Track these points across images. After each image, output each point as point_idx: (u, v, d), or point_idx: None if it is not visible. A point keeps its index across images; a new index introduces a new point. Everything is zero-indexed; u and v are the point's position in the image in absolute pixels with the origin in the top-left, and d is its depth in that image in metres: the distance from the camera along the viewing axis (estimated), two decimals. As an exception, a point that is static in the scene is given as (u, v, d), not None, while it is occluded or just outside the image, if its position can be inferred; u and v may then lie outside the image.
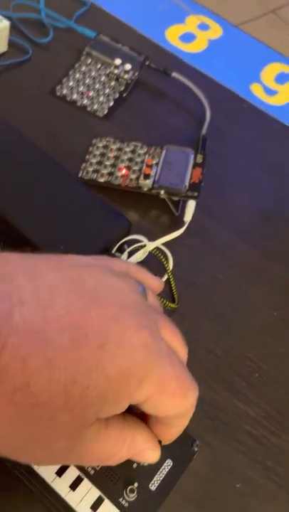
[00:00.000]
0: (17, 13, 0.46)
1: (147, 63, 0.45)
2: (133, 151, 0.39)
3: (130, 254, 0.33)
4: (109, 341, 0.17)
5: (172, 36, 0.57)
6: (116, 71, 0.44)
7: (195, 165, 0.38)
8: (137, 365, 0.17)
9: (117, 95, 0.43)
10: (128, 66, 0.44)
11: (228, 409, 0.29)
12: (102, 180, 0.37)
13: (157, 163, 0.38)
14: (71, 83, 0.43)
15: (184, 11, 0.59)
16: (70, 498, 0.22)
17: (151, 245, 0.33)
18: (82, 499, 0.22)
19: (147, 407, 0.18)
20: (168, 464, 0.24)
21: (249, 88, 0.54)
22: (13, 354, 0.15)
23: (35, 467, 0.22)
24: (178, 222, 0.36)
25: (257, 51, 0.60)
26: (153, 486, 0.23)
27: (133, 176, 0.37)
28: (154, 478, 0.23)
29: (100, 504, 0.22)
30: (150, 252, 0.33)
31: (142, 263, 0.33)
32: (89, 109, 0.42)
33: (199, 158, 0.38)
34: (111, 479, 0.23)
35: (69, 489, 0.22)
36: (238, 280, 0.35)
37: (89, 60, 0.45)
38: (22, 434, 0.16)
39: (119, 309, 0.17)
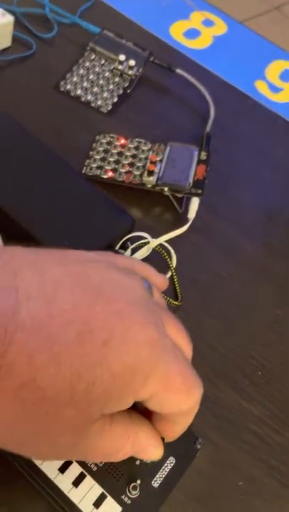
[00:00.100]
0: (21, 8, 0.46)
1: (151, 59, 0.45)
2: (137, 148, 0.38)
3: (133, 251, 0.33)
4: (114, 337, 0.16)
5: (176, 32, 0.57)
6: (120, 67, 0.44)
7: (199, 162, 0.37)
8: (142, 362, 0.17)
9: (121, 91, 0.43)
10: (132, 62, 0.44)
11: (232, 407, 0.29)
12: (105, 176, 0.36)
13: (161, 160, 0.37)
14: (75, 79, 0.43)
15: (188, 6, 0.59)
16: (73, 494, 0.22)
17: (154, 242, 0.33)
18: (84, 496, 0.22)
19: (152, 404, 0.18)
20: (171, 461, 0.24)
21: (254, 85, 0.54)
22: (20, 350, 0.15)
23: (38, 463, 0.22)
24: (182, 220, 0.36)
25: (261, 48, 0.59)
26: (156, 483, 0.23)
27: (137, 173, 0.37)
28: (157, 476, 0.23)
29: (103, 501, 0.22)
30: (153, 249, 0.33)
31: (145, 260, 0.33)
32: (93, 104, 0.42)
33: (203, 155, 0.38)
34: (114, 476, 0.23)
35: (72, 486, 0.22)
36: (241, 278, 0.35)
37: (93, 56, 0.45)
38: (27, 429, 0.16)
39: (125, 305, 0.17)
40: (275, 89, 0.54)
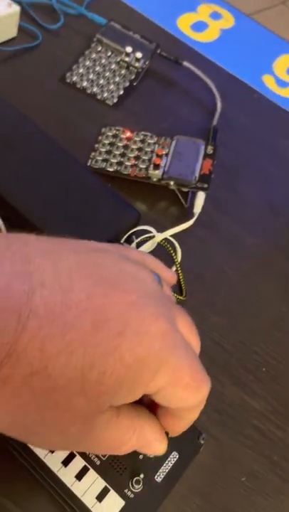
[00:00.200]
0: (27, -2, 0.46)
1: (158, 52, 0.44)
2: (143, 141, 0.38)
3: (138, 245, 0.32)
4: (128, 328, 0.16)
5: (184, 25, 0.56)
6: (127, 59, 0.44)
7: (205, 156, 0.37)
8: (154, 354, 0.17)
9: (127, 84, 0.43)
10: (139, 54, 0.44)
11: (235, 403, 0.29)
12: (111, 169, 0.36)
13: (167, 154, 0.37)
14: (81, 70, 0.43)
15: (196, -1, 0.58)
16: (76, 487, 0.22)
17: (159, 236, 0.33)
18: (87, 489, 0.22)
19: (160, 398, 0.18)
20: (174, 456, 0.24)
21: (261, 79, 0.54)
22: (33, 337, 0.15)
23: (42, 456, 0.22)
24: (187, 214, 0.35)
25: (269, 42, 0.59)
26: (159, 477, 0.23)
27: (142, 166, 0.36)
28: (160, 470, 0.23)
29: (106, 495, 0.22)
30: (158, 243, 0.33)
31: (150, 254, 0.32)
32: (99, 97, 0.42)
33: (210, 150, 0.38)
34: (117, 470, 0.23)
35: (75, 479, 0.22)
36: (246, 274, 0.35)
37: (99, 48, 0.45)
38: (37, 417, 0.16)
39: (139, 297, 0.17)
40: (282, 83, 0.54)
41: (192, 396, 0.18)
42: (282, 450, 0.28)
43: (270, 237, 0.37)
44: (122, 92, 0.42)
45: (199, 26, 0.57)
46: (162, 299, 0.18)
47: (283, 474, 0.27)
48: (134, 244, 0.32)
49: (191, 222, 0.34)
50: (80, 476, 0.22)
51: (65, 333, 0.15)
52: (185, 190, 0.36)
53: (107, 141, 0.38)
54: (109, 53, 0.44)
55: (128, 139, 0.38)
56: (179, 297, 0.32)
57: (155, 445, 0.20)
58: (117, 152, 0.37)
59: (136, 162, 0.37)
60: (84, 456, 0.23)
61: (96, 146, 0.38)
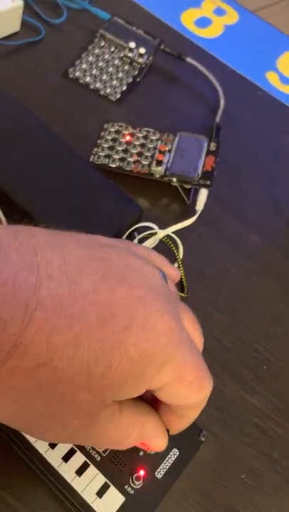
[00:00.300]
0: (30, -8, 0.46)
1: (162, 47, 0.44)
2: (145, 137, 0.38)
3: (140, 241, 0.32)
4: (134, 323, 0.16)
5: (187, 20, 0.56)
6: (130, 54, 0.43)
7: (208, 153, 0.37)
8: (159, 350, 0.17)
9: (130, 79, 0.43)
10: (142, 50, 0.43)
11: (236, 400, 0.29)
12: (113, 165, 0.36)
13: (170, 150, 0.37)
14: (84, 66, 0.43)
15: (200, -6, 0.58)
16: (76, 483, 0.22)
17: (161, 233, 0.33)
18: (88, 485, 0.22)
19: (163, 394, 0.18)
20: (174, 453, 0.24)
21: (264, 76, 0.53)
22: (39, 329, 0.15)
23: (42, 452, 0.22)
24: (189, 211, 0.35)
25: (273, 38, 0.58)
26: (159, 474, 0.23)
27: (145, 163, 0.36)
28: (161, 467, 0.23)
29: (106, 490, 0.22)
30: (160, 240, 0.33)
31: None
32: (102, 92, 0.41)
33: (213, 146, 0.38)
34: (117, 466, 0.23)
35: (75, 475, 0.22)
36: (248, 271, 0.34)
37: (103, 43, 0.44)
38: (41, 409, 0.16)
39: (146, 292, 0.17)
40: (286, 80, 0.53)
41: (195, 394, 0.18)
42: (282, 448, 0.28)
43: (272, 235, 0.37)
44: (125, 88, 0.42)
45: (203, 22, 0.57)
46: (168, 295, 0.18)
47: (283, 472, 0.27)
48: (136, 241, 0.32)
49: (193, 219, 0.34)
50: (80, 471, 0.22)
51: (72, 326, 0.15)
52: (187, 187, 0.36)
53: (109, 137, 0.38)
54: (112, 49, 0.44)
55: (131, 134, 0.38)
56: (181, 294, 0.32)
57: (156, 441, 0.20)
58: (120, 148, 0.37)
59: (138, 158, 0.36)
60: (84, 452, 0.23)
61: (99, 141, 0.38)
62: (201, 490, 0.25)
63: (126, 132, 0.38)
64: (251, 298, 0.33)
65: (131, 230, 0.32)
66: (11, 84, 0.39)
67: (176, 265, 0.33)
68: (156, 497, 0.23)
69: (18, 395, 0.16)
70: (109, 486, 0.22)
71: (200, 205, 0.35)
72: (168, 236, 0.33)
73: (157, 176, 0.36)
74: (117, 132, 0.38)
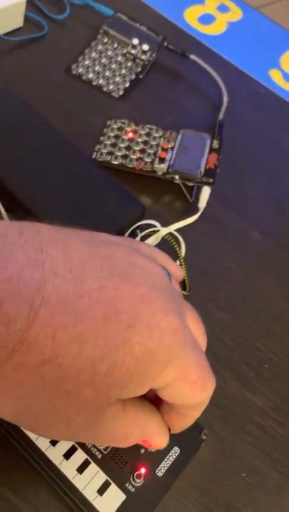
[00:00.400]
0: (33, -12, 0.45)
1: (165, 44, 0.44)
2: (148, 134, 0.38)
3: (142, 239, 0.32)
4: (139, 321, 0.16)
5: (191, 17, 0.55)
6: (133, 51, 0.43)
7: (211, 150, 0.37)
8: (163, 349, 0.17)
9: (133, 76, 0.43)
10: (146, 46, 0.43)
11: (237, 399, 0.29)
12: (116, 162, 0.36)
13: (173, 148, 0.37)
14: (87, 62, 0.42)
15: (203, -9, 0.58)
16: (77, 481, 0.22)
17: (164, 231, 0.33)
18: (88, 483, 0.22)
19: (166, 393, 0.18)
20: (175, 451, 0.24)
21: (268, 74, 0.53)
22: (44, 325, 0.15)
23: (44, 449, 0.22)
24: (192, 209, 0.35)
25: (277, 36, 0.58)
26: (160, 472, 0.23)
27: (148, 160, 0.36)
28: (161, 465, 0.23)
29: (107, 488, 0.22)
30: (163, 238, 0.33)
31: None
32: (104, 89, 0.41)
33: (215, 144, 0.37)
34: (118, 464, 0.23)
35: (76, 472, 0.22)
36: (250, 270, 0.34)
37: (106, 39, 0.44)
38: (46, 406, 0.16)
39: (150, 291, 0.17)
40: (289, 78, 0.53)
41: (197, 394, 0.18)
42: (283, 447, 0.28)
43: (275, 233, 0.37)
44: (128, 85, 0.42)
45: (206, 19, 0.56)
46: (172, 293, 0.18)
47: (284, 471, 0.27)
48: (138, 238, 0.32)
49: (195, 216, 0.34)
50: (81, 469, 0.22)
51: (77, 323, 0.15)
52: (190, 184, 0.36)
53: (112, 134, 0.38)
54: (115, 45, 0.44)
55: (133, 131, 0.38)
56: (183, 292, 0.32)
57: (157, 439, 0.20)
58: (122, 145, 0.37)
59: (141, 155, 0.36)
60: (85, 449, 0.23)
61: (101, 138, 0.38)
62: (202, 488, 0.25)
63: (129, 129, 0.38)
64: (253, 296, 0.33)
65: (133, 227, 0.32)
66: (13, 80, 0.39)
67: (178, 263, 0.33)
68: (157, 495, 0.23)
69: (23, 392, 0.16)
70: (110, 484, 0.22)
71: (202, 203, 0.35)
72: (170, 234, 0.33)
73: (160, 173, 0.36)
74: (120, 129, 0.38)
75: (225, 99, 0.42)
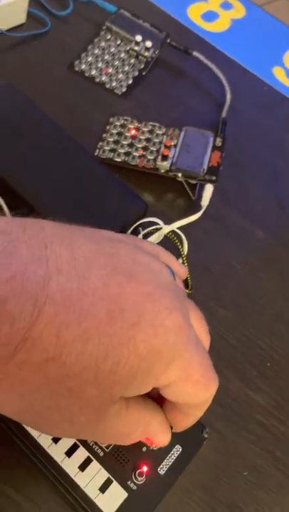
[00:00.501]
0: (36, -16, 0.45)
1: (168, 41, 0.44)
2: (151, 132, 0.38)
3: (145, 236, 0.32)
4: (143, 319, 0.16)
5: (194, 14, 0.55)
6: (136, 48, 0.43)
7: (214, 148, 0.37)
8: (168, 347, 0.17)
9: (136, 73, 0.42)
10: (149, 43, 0.43)
11: (239, 397, 0.29)
12: (118, 159, 0.36)
13: (175, 145, 0.37)
14: (90, 58, 0.42)
15: (207, -12, 0.57)
16: (79, 478, 0.22)
17: (166, 228, 0.33)
18: (90, 480, 0.22)
19: (169, 392, 0.18)
20: (177, 449, 0.24)
21: (271, 71, 0.53)
22: (48, 323, 0.15)
23: (45, 446, 0.22)
24: (194, 206, 0.35)
25: (280, 33, 0.58)
26: (162, 470, 0.23)
27: (150, 157, 0.36)
28: (163, 463, 0.23)
29: (109, 486, 0.22)
30: (165, 236, 0.33)
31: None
32: (107, 86, 0.41)
33: (218, 142, 0.37)
34: (120, 462, 0.23)
35: (78, 470, 0.22)
36: (253, 268, 0.34)
37: (109, 36, 0.44)
38: (49, 404, 0.16)
39: (155, 289, 0.17)
40: (293, 76, 0.53)
41: (200, 393, 0.18)
42: (285, 445, 0.28)
43: (277, 231, 0.37)
44: (130, 82, 0.42)
45: (210, 16, 0.56)
46: (176, 292, 0.18)
47: (286, 470, 0.27)
48: (140, 236, 0.32)
49: (198, 214, 0.34)
50: (83, 466, 0.22)
51: (81, 321, 0.15)
52: (193, 182, 0.36)
53: (115, 131, 0.38)
54: (118, 42, 0.44)
55: (136, 129, 0.38)
56: (185, 290, 0.32)
57: (159, 437, 0.20)
58: (125, 142, 0.37)
59: (144, 153, 0.36)
60: (87, 447, 0.23)
61: (104, 135, 0.37)
62: (204, 486, 0.25)
63: (131, 126, 0.38)
64: (255, 294, 0.33)
65: (136, 225, 0.32)
66: (16, 76, 0.38)
67: (180, 261, 0.32)
68: (158, 493, 0.22)
69: (26, 390, 0.16)
70: (112, 482, 0.22)
71: (205, 201, 0.35)
72: (173, 231, 0.33)
73: (162, 170, 0.35)
74: (123, 126, 0.38)
75: (228, 96, 0.42)
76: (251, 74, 0.47)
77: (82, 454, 0.22)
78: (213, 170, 0.35)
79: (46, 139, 0.33)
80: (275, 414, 0.29)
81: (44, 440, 0.22)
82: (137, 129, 0.38)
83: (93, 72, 0.41)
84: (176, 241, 0.32)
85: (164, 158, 0.35)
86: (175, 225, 0.33)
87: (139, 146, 0.37)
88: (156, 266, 0.18)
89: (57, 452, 0.22)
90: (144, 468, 0.23)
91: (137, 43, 0.43)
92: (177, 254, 0.32)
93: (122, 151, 0.36)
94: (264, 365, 0.30)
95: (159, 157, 0.36)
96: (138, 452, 0.23)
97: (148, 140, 0.37)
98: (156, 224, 0.33)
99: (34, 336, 0.15)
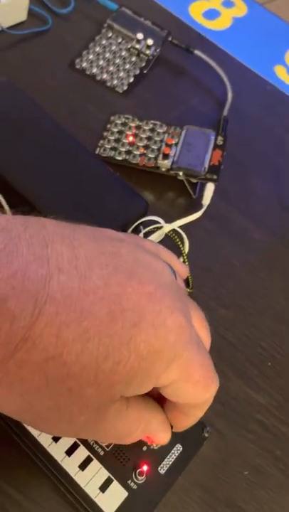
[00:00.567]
0: (37, -19, 0.45)
1: (170, 39, 0.44)
2: (152, 130, 0.38)
3: (146, 235, 0.32)
4: (144, 319, 0.16)
5: (196, 12, 0.55)
6: (137, 46, 0.43)
7: (215, 147, 0.37)
8: (168, 347, 0.17)
9: (137, 71, 0.42)
10: (150, 41, 0.43)
11: (240, 396, 0.29)
12: (119, 158, 0.36)
13: (177, 144, 0.37)
14: (91, 56, 0.42)
15: (208, -14, 0.57)
16: (79, 477, 0.22)
17: (167, 227, 0.33)
18: (91, 479, 0.22)
19: (169, 392, 0.18)
20: (178, 448, 0.24)
21: (273, 70, 0.53)
22: (50, 322, 0.15)
23: (46, 446, 0.22)
24: (195, 205, 0.35)
25: (282, 32, 0.58)
26: (162, 469, 0.23)
27: (151, 156, 0.36)
28: (164, 462, 0.23)
29: (109, 485, 0.22)
30: (166, 234, 0.33)
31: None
32: (108, 84, 0.41)
33: (220, 140, 0.37)
34: (120, 461, 0.23)
35: (78, 469, 0.22)
36: (253, 267, 0.34)
37: (110, 34, 0.44)
38: (49, 403, 0.16)
39: (156, 288, 0.17)
40: (294, 75, 0.53)
41: (201, 393, 0.18)
42: (285, 445, 0.28)
43: (278, 231, 0.36)
44: (132, 80, 0.42)
45: (211, 14, 0.56)
46: (178, 291, 0.18)
47: (286, 469, 0.27)
48: (141, 235, 0.32)
49: (199, 213, 0.34)
50: (83, 466, 0.22)
51: (81, 320, 0.15)
52: (194, 181, 0.36)
53: (115, 130, 0.38)
54: (119, 40, 0.44)
55: (137, 127, 0.38)
56: (186, 289, 0.32)
57: (160, 436, 0.20)
58: (126, 141, 0.37)
59: (145, 151, 0.36)
60: (88, 446, 0.23)
61: (105, 134, 0.37)
62: (204, 486, 0.25)
63: (132, 125, 0.38)
64: (256, 294, 0.33)
65: (137, 223, 0.32)
66: (17, 74, 0.38)
67: (181, 260, 0.32)
68: (159, 492, 0.22)
69: (26, 389, 0.16)
70: (112, 481, 0.22)
71: (206, 200, 0.35)
72: (174, 230, 0.33)
73: (163, 169, 0.35)
74: (124, 125, 0.38)
75: (229, 95, 0.42)
76: (253, 72, 0.47)
77: (82, 453, 0.22)
78: (214, 169, 0.35)
79: (46, 137, 0.33)
80: (276, 414, 0.29)
81: (44, 439, 0.22)
82: (138, 127, 0.38)
83: (94, 70, 0.41)
84: (177, 240, 0.32)
85: (165, 156, 0.35)
86: (176, 224, 0.33)
87: (140, 144, 0.37)
88: (158, 265, 0.18)
89: (57, 451, 0.22)
90: (145, 468, 0.23)
91: (138, 41, 0.43)
92: (178, 253, 0.32)
93: (122, 149, 0.36)
94: (265, 365, 0.30)
95: (160, 156, 0.36)
96: (138, 451, 0.23)
97: (149, 138, 0.37)
98: (157, 223, 0.33)
99: (34, 335, 0.15)
